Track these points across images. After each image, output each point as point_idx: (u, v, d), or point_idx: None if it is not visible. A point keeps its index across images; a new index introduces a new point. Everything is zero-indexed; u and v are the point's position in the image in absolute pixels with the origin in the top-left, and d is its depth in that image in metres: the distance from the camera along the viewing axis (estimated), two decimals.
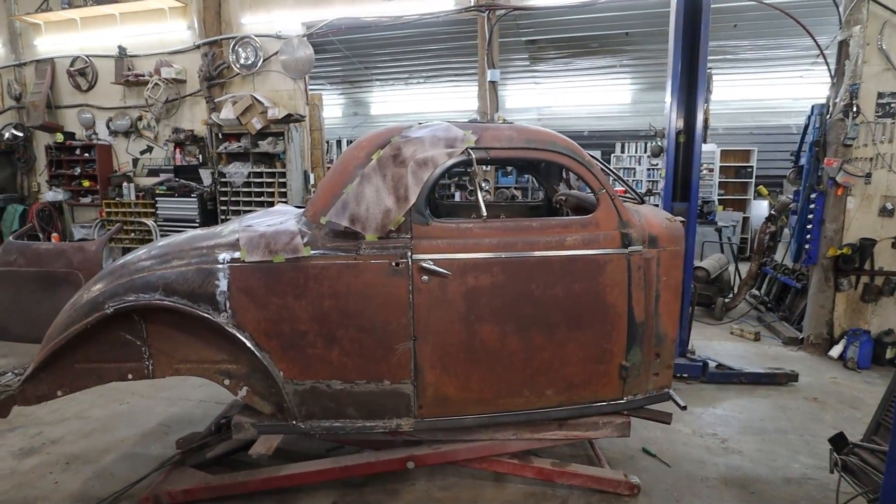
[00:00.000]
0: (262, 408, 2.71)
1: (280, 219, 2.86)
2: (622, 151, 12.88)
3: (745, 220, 11.48)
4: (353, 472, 2.95)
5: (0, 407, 2.69)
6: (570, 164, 2.74)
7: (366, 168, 2.61)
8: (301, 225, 2.68)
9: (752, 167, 11.59)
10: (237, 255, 2.55)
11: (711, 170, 11.14)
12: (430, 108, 12.47)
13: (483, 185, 6.52)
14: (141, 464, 3.33)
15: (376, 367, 2.62)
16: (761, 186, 9.31)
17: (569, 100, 12.22)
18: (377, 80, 11.66)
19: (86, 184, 8.33)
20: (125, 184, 8.04)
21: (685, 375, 4.57)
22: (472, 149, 2.63)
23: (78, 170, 8.39)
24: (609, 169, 3.33)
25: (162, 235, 7.35)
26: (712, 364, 4.61)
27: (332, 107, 13.75)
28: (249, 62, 7.25)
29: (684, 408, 2.90)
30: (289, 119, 6.90)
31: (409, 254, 2.56)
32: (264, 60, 7.22)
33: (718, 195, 11.36)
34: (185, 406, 4.22)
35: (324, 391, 2.64)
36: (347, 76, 11.46)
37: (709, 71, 4.33)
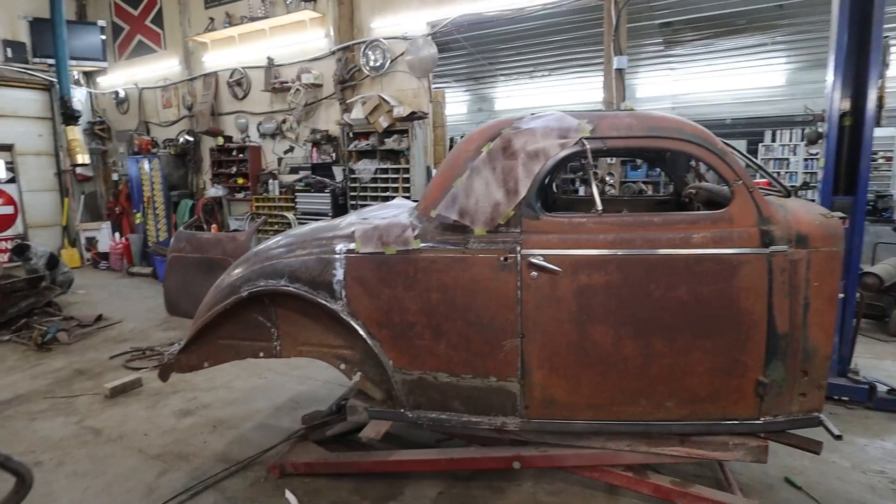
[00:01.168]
0: (373, 394, 2.82)
1: (394, 212, 2.94)
2: (773, 140, 11.50)
3: None
4: (460, 466, 2.96)
5: (161, 373, 3.13)
6: (699, 152, 2.47)
7: (475, 161, 2.58)
8: (413, 218, 2.72)
9: None
10: (352, 246, 2.67)
11: (890, 158, 9.52)
12: (555, 100, 12.19)
13: (608, 178, 6.20)
14: (272, 434, 3.64)
15: (482, 362, 2.59)
16: None
17: (709, 85, 11.19)
18: (501, 75, 11.63)
19: (240, 181, 9.31)
20: (271, 181, 8.85)
21: (845, 399, 3.93)
22: (586, 139, 2.49)
23: (234, 169, 9.40)
24: (748, 158, 2.95)
25: None
26: (882, 388, 3.91)
27: (457, 104, 13.99)
28: (378, 64, 7.58)
29: (839, 437, 2.46)
30: (413, 116, 7.11)
31: (518, 249, 2.49)
32: (391, 61, 7.51)
33: None
34: (312, 385, 4.54)
35: (430, 382, 2.67)
36: (472, 73, 11.57)
37: (885, 39, 3.67)
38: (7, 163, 10.40)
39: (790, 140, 11.31)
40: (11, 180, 10.48)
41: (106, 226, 10.76)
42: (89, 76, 11.45)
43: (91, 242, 10.80)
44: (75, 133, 8.36)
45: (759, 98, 11.29)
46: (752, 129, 11.66)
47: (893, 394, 3.88)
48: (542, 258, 2.46)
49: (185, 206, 9.84)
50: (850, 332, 3.93)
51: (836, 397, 3.92)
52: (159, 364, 4.90)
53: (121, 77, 11.07)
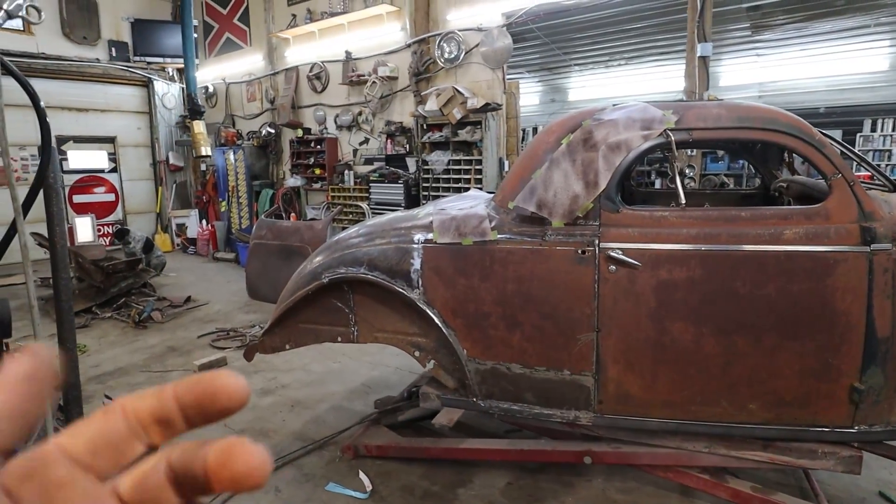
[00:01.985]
0: (446, 382, 2.88)
1: (471, 203, 2.98)
2: (872, 130, 10.53)
3: None
4: (530, 458, 2.97)
5: (247, 353, 3.32)
6: (795, 144, 2.34)
7: (555, 153, 2.57)
8: (490, 209, 2.75)
9: None
10: (430, 236, 2.73)
11: None
12: (631, 90, 11.73)
13: (687, 171, 5.95)
14: (346, 416, 3.79)
15: (557, 355, 2.59)
16: None
17: (800, 72, 10.37)
18: (575, 65, 11.36)
19: (317, 172, 9.66)
20: (346, 171, 9.14)
21: None
22: (671, 130, 2.42)
23: (312, 160, 9.77)
24: (849, 149, 2.76)
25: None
26: None
27: (529, 95, 13.79)
28: (452, 56, 7.62)
29: None
30: (486, 108, 7.11)
31: (597, 242, 2.47)
32: (466, 53, 7.52)
33: None
34: (384, 371, 4.68)
35: (503, 373, 2.70)
36: (545, 63, 11.38)
37: None
38: (109, 154, 11.37)
39: (893, 130, 10.33)
40: (113, 170, 11.45)
41: (194, 213, 11.48)
42: (182, 73, 12.24)
43: (181, 228, 11.58)
44: (200, 127, 9.00)
45: (858, 84, 10.36)
46: (849, 119, 10.72)
47: None
48: (620, 252, 2.42)
49: (265, 196, 10.34)
50: None
51: None
52: (243, 344, 5.28)
53: (210, 73, 11.76)
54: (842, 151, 2.56)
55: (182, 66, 11.68)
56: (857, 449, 2.39)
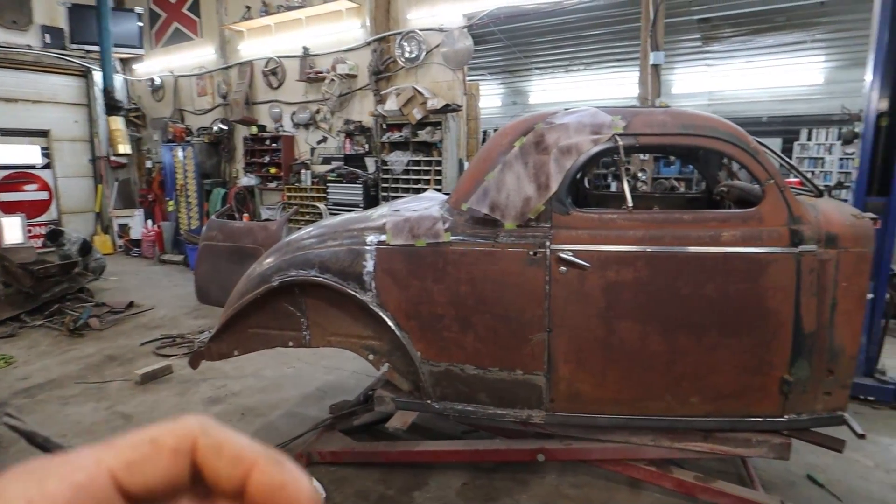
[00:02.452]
0: (400, 385, 2.87)
1: (426, 204, 2.99)
2: (809, 139, 11.21)
3: None
4: (484, 458, 3.00)
5: (192, 360, 3.16)
6: (732, 151, 2.46)
7: (508, 155, 2.61)
8: (444, 211, 2.76)
9: None
10: (383, 237, 2.72)
11: None
12: (590, 95, 12.03)
13: (640, 174, 6.14)
14: (299, 422, 3.70)
15: (509, 355, 2.63)
16: None
17: (745, 82, 10.97)
18: (536, 68, 11.56)
19: (272, 171, 9.40)
20: (303, 171, 8.93)
21: (871, 398, 3.89)
22: (619, 135, 2.50)
23: (267, 158, 9.49)
24: (781, 157, 2.93)
25: None
26: None
27: (491, 97, 13.94)
28: (413, 55, 7.58)
29: (862, 436, 2.46)
30: (446, 109, 7.11)
31: (548, 243, 2.52)
32: (427, 53, 7.48)
33: None
34: (340, 375, 4.61)
35: (457, 374, 2.72)
36: (507, 66, 11.53)
37: None
38: (43, 148, 10.56)
39: (826, 139, 11.02)
40: (47, 166, 10.63)
41: (139, 213, 10.83)
42: (125, 63, 11.58)
43: (123, 229, 10.89)
44: (118, 123, 8.54)
45: (797, 96, 11.03)
46: (788, 128, 11.38)
47: None
48: (571, 253, 2.48)
49: (217, 195, 9.95)
50: (879, 332, 3.88)
51: (861, 397, 3.89)
52: (190, 351, 5.07)
53: (157, 64, 11.26)
54: (776, 159, 2.71)
55: (127, 55, 11.13)
56: (786, 436, 2.55)
